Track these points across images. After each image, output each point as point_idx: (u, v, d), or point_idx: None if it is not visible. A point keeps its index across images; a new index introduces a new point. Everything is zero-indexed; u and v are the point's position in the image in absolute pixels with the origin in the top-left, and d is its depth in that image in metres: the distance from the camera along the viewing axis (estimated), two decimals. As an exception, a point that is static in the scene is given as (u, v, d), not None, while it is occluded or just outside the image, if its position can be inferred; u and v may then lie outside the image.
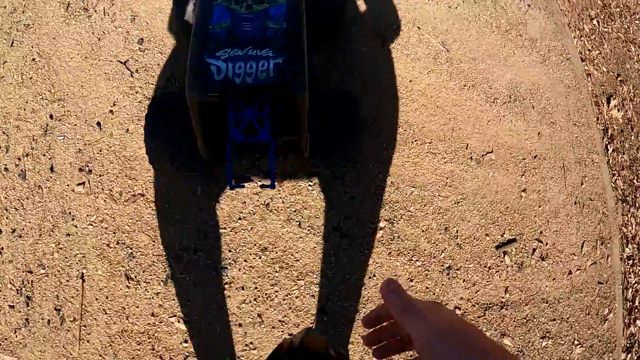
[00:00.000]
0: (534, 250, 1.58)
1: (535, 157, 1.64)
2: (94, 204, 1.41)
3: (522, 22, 1.82)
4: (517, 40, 1.78)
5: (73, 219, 1.40)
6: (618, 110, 1.92)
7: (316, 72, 1.52)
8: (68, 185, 1.43)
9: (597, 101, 1.90)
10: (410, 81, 1.56)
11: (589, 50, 2.00)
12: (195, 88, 1.00)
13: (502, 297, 1.52)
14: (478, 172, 1.54)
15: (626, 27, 2.13)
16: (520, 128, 1.65)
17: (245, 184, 1.37)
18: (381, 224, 1.42)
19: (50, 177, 1.44)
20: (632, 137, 1.88)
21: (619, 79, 1.98)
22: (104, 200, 1.42)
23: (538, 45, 1.80)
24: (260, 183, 1.38)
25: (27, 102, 1.52)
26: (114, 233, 1.39)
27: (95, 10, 1.63)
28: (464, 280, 1.47)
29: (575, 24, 2.01)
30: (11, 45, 1.60)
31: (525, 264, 1.56)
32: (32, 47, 1.60)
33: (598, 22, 2.10)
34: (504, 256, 1.55)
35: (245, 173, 1.28)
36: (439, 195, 1.48)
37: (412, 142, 1.50)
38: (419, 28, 1.64)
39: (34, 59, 1.58)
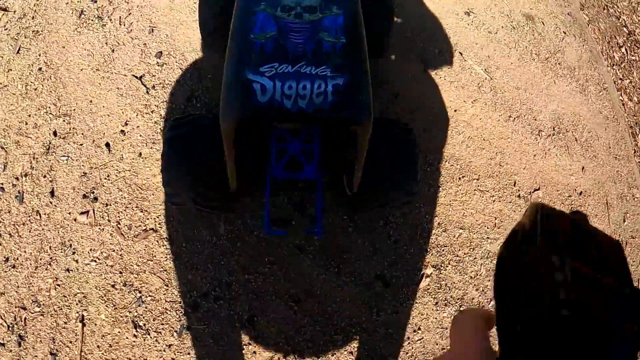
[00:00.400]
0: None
1: (580, 193, 1.50)
2: (98, 237, 1.21)
3: (560, 50, 1.71)
4: (557, 69, 1.66)
5: (74, 253, 1.19)
6: (651, 144, 1.82)
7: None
8: (70, 213, 1.23)
9: (633, 132, 1.79)
10: (455, 111, 1.42)
11: (620, 79, 1.91)
12: (232, 109, 0.79)
13: None
14: (526, 211, 1.40)
15: (651, 55, 2.06)
16: (565, 163, 1.52)
17: (286, 231, 1.17)
18: (427, 271, 1.25)
19: (50, 203, 1.24)
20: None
21: (648, 109, 1.89)
22: (110, 234, 1.22)
23: (576, 74, 1.69)
24: (301, 229, 1.20)
25: (29, 116, 1.33)
26: (121, 273, 1.19)
27: (111, 19, 1.45)
28: (513, 331, 1.31)
29: (607, 52, 1.92)
30: (17, 52, 1.40)
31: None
32: (40, 55, 1.40)
33: (626, 49, 2.02)
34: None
35: (283, 215, 1.10)
36: (488, 238, 1.32)
37: (460, 178, 1.35)
38: (461, 54, 1.50)
39: (40, 69, 1.39)
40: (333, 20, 0.90)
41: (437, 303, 1.25)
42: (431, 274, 1.26)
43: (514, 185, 1.41)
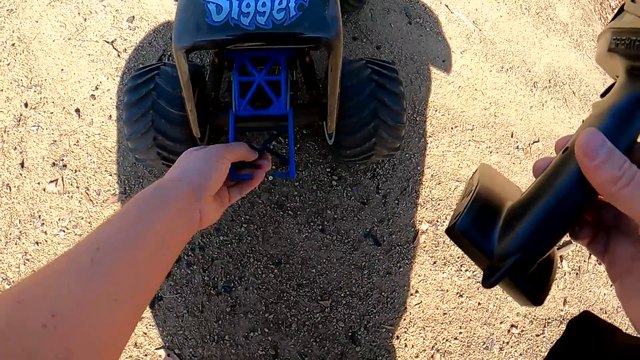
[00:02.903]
0: (590, 253, 1.26)
1: (583, 148, 1.34)
2: (67, 205, 1.07)
3: (551, 6, 1.56)
4: (549, 23, 1.51)
5: (43, 224, 1.05)
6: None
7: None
8: (39, 183, 1.09)
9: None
10: (444, 61, 1.26)
11: (614, 40, 1.76)
12: (185, 32, 0.67)
13: (562, 310, 1.18)
14: (526, 164, 1.22)
15: (644, 20, 1.91)
16: (564, 115, 1.35)
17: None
18: (422, 227, 1.08)
19: (20, 174, 1.11)
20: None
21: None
22: (79, 201, 1.08)
23: (570, 30, 1.54)
24: (273, 168, 1.04)
25: (1, 90, 1.21)
26: None
27: (82, -11, 1.34)
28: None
29: (599, 12, 1.77)
30: None
31: (582, 269, 1.23)
32: (13, 32, 1.30)
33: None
34: (561, 261, 1.22)
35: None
36: (487, 191, 1.16)
37: (452, 128, 1.18)
38: (447, 6, 1.36)
39: (13, 44, 1.28)
40: None
41: (435, 262, 1.07)
42: (427, 230, 1.08)
43: (512, 136, 1.24)
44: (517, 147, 1.23)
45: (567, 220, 0.24)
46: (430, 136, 1.15)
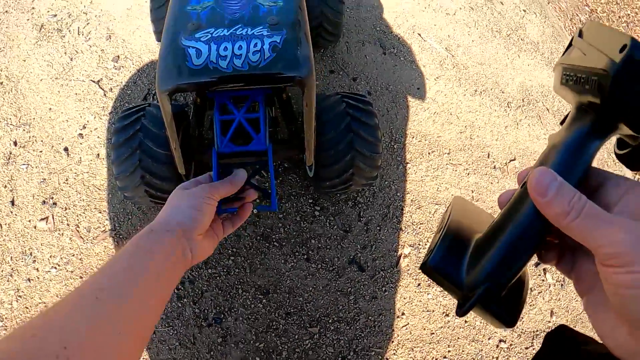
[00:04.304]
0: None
1: (559, 163, 1.42)
2: (58, 242, 1.12)
3: (521, 27, 1.66)
4: (520, 44, 1.61)
5: (34, 261, 1.10)
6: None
7: (318, 81, 1.30)
8: (29, 220, 1.14)
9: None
10: (418, 88, 1.34)
11: (586, 55, 1.87)
12: (167, 76, 0.73)
13: (549, 321, 1.23)
14: (504, 183, 1.30)
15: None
16: (539, 132, 1.44)
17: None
18: (405, 251, 1.14)
19: (11, 212, 1.15)
20: None
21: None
22: (70, 238, 1.13)
23: (541, 48, 1.64)
24: (257, 201, 1.10)
25: None
26: (81, 278, 1.09)
27: (69, 31, 1.41)
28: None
29: (570, 28, 1.88)
30: None
31: (567, 280, 1.30)
32: (1, 70, 1.37)
33: (589, 28, 1.99)
34: (545, 274, 1.29)
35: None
36: (466, 212, 1.23)
37: (429, 153, 1.26)
38: (420, 35, 1.45)
39: (1, 83, 1.34)
40: None
41: (419, 284, 1.13)
42: (409, 253, 1.15)
43: (488, 157, 1.32)
44: (494, 167, 1.31)
45: (529, 249, 0.27)
46: (408, 162, 1.22)
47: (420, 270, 0.31)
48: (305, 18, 0.84)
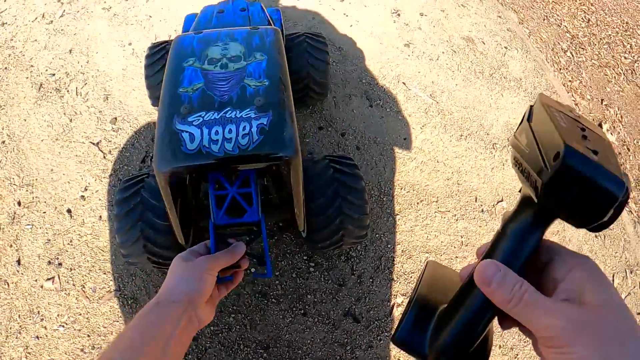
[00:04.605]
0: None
1: (544, 200, 1.48)
2: (65, 302, 1.17)
3: (503, 64, 1.73)
4: (503, 82, 1.68)
5: (42, 320, 1.14)
6: (611, 134, 1.82)
7: (308, 139, 1.36)
8: (36, 280, 1.19)
9: (591, 132, 1.79)
10: (405, 139, 1.41)
11: (570, 81, 1.93)
12: (164, 160, 0.79)
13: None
14: (493, 225, 1.36)
15: (597, 53, 2.09)
16: (523, 171, 1.50)
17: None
18: (398, 300, 1.20)
19: (18, 271, 1.20)
20: (631, 157, 1.77)
21: (603, 103, 1.89)
22: (76, 298, 1.18)
23: (523, 84, 1.71)
24: (252, 271, 1.17)
25: None
26: (89, 336, 1.13)
27: (68, 91, 1.47)
28: (500, 347, 1.24)
29: (552, 58, 1.95)
30: None
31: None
32: (3, 129, 1.42)
33: (572, 53, 2.05)
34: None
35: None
36: (456, 257, 1.28)
37: (418, 203, 1.32)
38: (404, 84, 1.52)
39: (3, 142, 1.40)
40: (257, 65, 0.92)
41: (411, 333, 1.19)
42: (402, 302, 1.20)
43: (476, 201, 1.38)
44: (482, 210, 1.37)
45: (484, 322, 0.30)
46: (397, 214, 1.28)
47: (391, 341, 0.35)
48: (290, 96, 0.90)
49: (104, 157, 1.34)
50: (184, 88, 0.90)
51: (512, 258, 0.29)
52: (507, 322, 0.32)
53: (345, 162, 1.05)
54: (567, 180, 0.24)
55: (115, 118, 1.40)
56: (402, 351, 1.18)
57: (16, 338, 1.14)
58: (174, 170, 0.81)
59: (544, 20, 2.08)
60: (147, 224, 0.99)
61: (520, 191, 0.31)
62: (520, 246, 0.29)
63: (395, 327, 0.34)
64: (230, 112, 0.85)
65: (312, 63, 1.23)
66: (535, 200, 0.27)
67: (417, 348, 0.33)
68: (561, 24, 2.13)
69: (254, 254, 1.00)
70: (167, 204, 0.90)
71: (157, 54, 1.25)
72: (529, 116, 0.31)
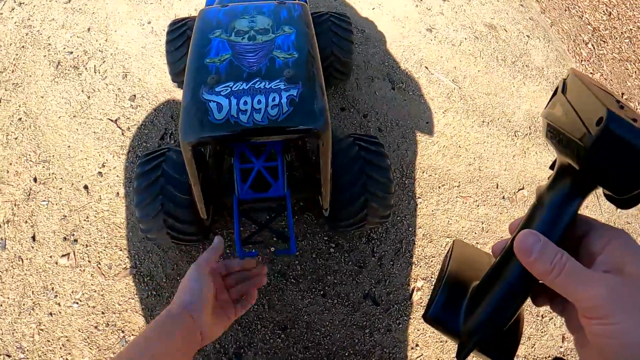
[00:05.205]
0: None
1: (566, 190, 1.46)
2: (79, 278, 1.17)
3: (526, 53, 1.72)
4: (525, 70, 1.66)
5: (56, 296, 1.14)
6: (632, 131, 1.80)
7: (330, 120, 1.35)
8: (51, 256, 1.19)
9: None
10: (427, 122, 1.40)
11: (591, 73, 1.91)
12: (190, 130, 0.78)
13: (561, 347, 1.27)
14: (514, 212, 1.35)
15: (618, 47, 2.07)
16: (546, 159, 1.48)
17: (258, 251, 1.14)
18: (418, 284, 1.19)
19: (32, 247, 1.20)
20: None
21: (624, 97, 1.88)
22: (91, 275, 1.17)
23: (545, 74, 1.69)
24: (273, 249, 1.16)
25: (10, 164, 1.32)
26: (103, 313, 1.13)
27: (86, 68, 1.47)
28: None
29: (574, 50, 1.93)
30: None
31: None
32: (20, 106, 1.42)
33: (593, 46, 2.03)
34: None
35: (255, 237, 1.05)
36: (477, 243, 1.27)
37: (440, 187, 1.31)
38: (427, 68, 1.50)
39: (20, 119, 1.40)
40: (285, 38, 0.92)
41: (431, 317, 1.18)
42: (422, 286, 1.19)
43: (497, 187, 1.36)
44: (503, 197, 1.35)
45: (520, 298, 0.29)
46: (419, 197, 1.27)
47: (423, 319, 0.34)
48: (320, 69, 0.89)
49: (122, 134, 1.34)
50: (210, 59, 0.89)
51: (550, 229, 0.29)
52: (541, 298, 0.31)
53: (370, 140, 1.04)
54: (610, 143, 0.24)
55: (134, 95, 1.40)
56: (421, 335, 1.18)
57: (29, 314, 1.14)
58: (201, 140, 0.80)
59: (565, 11, 2.06)
60: (168, 197, 0.98)
61: (551, 167, 0.31)
62: (559, 217, 0.29)
63: (426, 305, 0.34)
64: (259, 82, 0.84)
65: (337, 42, 1.22)
66: (577, 167, 0.27)
67: (450, 325, 0.32)
68: (582, 15, 2.10)
69: (277, 230, 1.00)
70: (191, 176, 0.89)
71: (179, 30, 1.25)
72: (563, 88, 0.30)
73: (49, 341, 1.11)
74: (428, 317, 0.33)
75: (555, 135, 0.30)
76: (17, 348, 1.09)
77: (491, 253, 0.34)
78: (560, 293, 0.27)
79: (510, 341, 0.31)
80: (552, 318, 1.29)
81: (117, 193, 1.27)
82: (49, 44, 1.60)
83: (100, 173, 1.30)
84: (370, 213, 1.02)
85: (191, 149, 0.82)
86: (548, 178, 0.31)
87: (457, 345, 0.32)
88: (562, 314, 0.31)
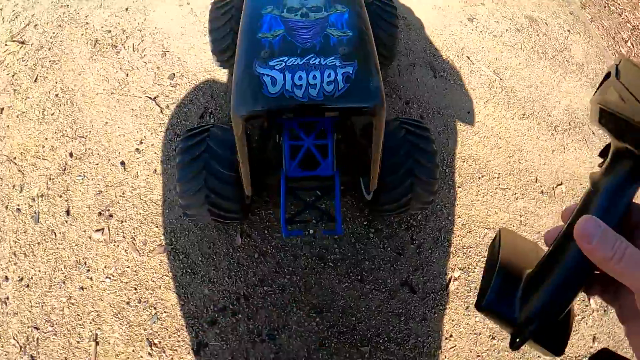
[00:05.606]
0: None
1: (605, 188, 1.43)
2: (113, 254, 1.17)
3: (566, 48, 1.68)
4: (565, 65, 1.63)
5: (88, 271, 1.15)
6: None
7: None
8: (85, 231, 1.20)
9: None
10: (468, 112, 1.38)
11: (630, 73, 1.87)
12: (244, 102, 0.77)
13: (591, 347, 1.25)
14: (552, 207, 1.32)
15: (658, 48, 2.02)
16: (584, 156, 1.46)
17: (304, 231, 1.13)
18: (455, 274, 1.18)
19: (66, 221, 1.21)
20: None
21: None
22: (125, 250, 1.18)
23: (585, 70, 1.66)
24: (312, 231, 1.15)
25: (46, 139, 1.33)
26: (136, 289, 1.14)
27: (124, 47, 1.48)
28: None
29: (613, 47, 1.89)
30: (35, 81, 1.43)
31: (610, 306, 1.31)
32: (57, 82, 1.43)
33: (632, 44, 1.99)
34: (589, 300, 1.30)
35: (299, 216, 1.05)
36: (514, 237, 1.25)
37: (480, 177, 1.29)
38: (468, 58, 1.48)
39: (57, 95, 1.41)
40: (339, 16, 0.91)
41: (467, 307, 1.16)
42: (459, 276, 1.18)
43: (536, 181, 1.34)
44: (542, 192, 1.33)
45: (576, 286, 0.29)
46: (459, 187, 1.26)
47: (475, 309, 0.33)
48: (374, 48, 0.88)
49: (161, 112, 1.35)
50: (263, 34, 0.89)
51: (607, 215, 0.28)
52: (595, 285, 0.31)
53: (417, 125, 1.03)
54: None
55: (174, 74, 1.40)
56: (455, 326, 1.16)
57: (60, 288, 1.15)
58: (255, 113, 0.80)
59: (605, 7, 2.01)
60: (212, 173, 0.98)
61: (600, 154, 0.31)
62: (615, 202, 0.28)
63: (478, 294, 0.33)
64: (313, 58, 0.83)
65: (382, 26, 1.21)
66: (636, 151, 0.26)
67: (505, 314, 0.31)
68: (622, 13, 2.06)
69: (323, 210, 1.00)
70: (240, 151, 0.88)
71: (222, 9, 1.25)
72: (617, 73, 0.29)
73: (78, 315, 1.12)
74: (483, 306, 0.32)
75: (610, 120, 0.29)
76: (46, 321, 1.10)
77: (544, 240, 0.33)
78: (619, 279, 0.26)
79: (562, 331, 0.31)
80: (584, 317, 1.27)
81: (155, 170, 1.28)
82: (87, 23, 1.61)
83: (137, 150, 1.31)
84: (415, 198, 1.01)
85: (243, 122, 0.81)
86: (599, 165, 0.30)
87: (509, 335, 0.31)
88: (613, 304, 0.31)
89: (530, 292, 0.31)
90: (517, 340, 0.30)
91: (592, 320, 1.28)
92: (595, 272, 0.29)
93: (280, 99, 0.78)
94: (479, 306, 0.32)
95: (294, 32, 0.88)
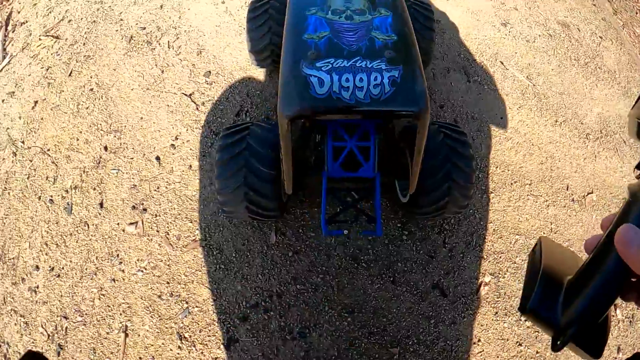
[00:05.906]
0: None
1: (636, 198, 1.43)
2: (146, 247, 1.19)
3: (598, 54, 1.67)
4: (598, 73, 1.62)
5: (120, 263, 1.17)
6: (701, 145, 1.74)
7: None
8: (118, 224, 1.22)
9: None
10: (502, 118, 1.38)
11: (660, 83, 1.85)
12: (291, 102, 0.78)
13: (615, 358, 1.25)
14: (582, 216, 1.32)
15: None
16: (615, 165, 1.45)
17: (344, 230, 1.15)
18: (485, 279, 1.18)
19: (99, 214, 1.23)
20: None
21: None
22: (159, 244, 1.20)
23: (617, 77, 1.64)
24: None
25: (81, 132, 1.36)
26: (168, 283, 1.16)
27: (159, 44, 1.50)
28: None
29: (645, 57, 1.88)
30: (69, 75, 1.46)
31: (636, 317, 1.31)
32: (91, 77, 1.46)
33: (663, 55, 1.97)
34: (615, 310, 1.30)
35: (338, 216, 1.07)
36: (545, 244, 1.26)
37: (512, 183, 1.30)
38: (502, 63, 1.49)
39: (92, 89, 1.44)
40: (383, 20, 0.92)
41: (496, 313, 1.17)
42: (489, 282, 1.19)
43: (567, 189, 1.34)
44: (573, 200, 1.33)
45: (615, 291, 0.31)
46: (491, 192, 1.26)
47: (519, 312, 0.35)
48: (418, 52, 0.89)
49: (197, 109, 1.37)
50: (309, 35, 0.90)
51: None
52: (632, 292, 0.32)
53: (454, 129, 1.04)
54: None
55: (209, 71, 1.42)
56: (484, 331, 1.17)
57: (91, 279, 1.17)
58: (302, 113, 0.81)
59: (636, 14, 1.99)
60: (251, 170, 0.99)
61: (638, 167, 0.33)
62: None
63: (521, 298, 0.35)
64: (360, 61, 0.84)
65: (419, 29, 1.22)
66: None
67: (548, 318, 0.33)
68: (653, 21, 2.03)
69: (363, 211, 1.01)
70: (284, 151, 0.90)
71: (260, 8, 1.26)
72: None
73: (109, 306, 1.14)
74: (527, 309, 0.34)
75: None
76: (76, 311, 1.12)
77: (584, 248, 0.35)
78: None
79: (601, 335, 0.32)
80: (610, 327, 1.27)
81: (190, 166, 1.30)
82: (121, 19, 1.64)
83: (173, 145, 1.33)
84: (451, 201, 1.02)
85: (289, 122, 0.82)
86: (637, 177, 0.32)
87: (551, 337, 0.33)
88: None
89: (572, 297, 0.32)
90: (559, 342, 0.32)
91: (618, 331, 1.28)
92: (632, 279, 0.31)
93: (327, 100, 0.79)
94: (523, 309, 0.34)
95: (340, 35, 0.90)
